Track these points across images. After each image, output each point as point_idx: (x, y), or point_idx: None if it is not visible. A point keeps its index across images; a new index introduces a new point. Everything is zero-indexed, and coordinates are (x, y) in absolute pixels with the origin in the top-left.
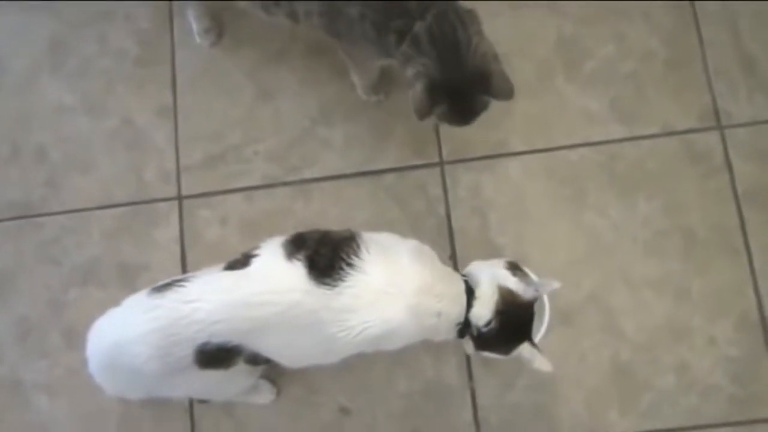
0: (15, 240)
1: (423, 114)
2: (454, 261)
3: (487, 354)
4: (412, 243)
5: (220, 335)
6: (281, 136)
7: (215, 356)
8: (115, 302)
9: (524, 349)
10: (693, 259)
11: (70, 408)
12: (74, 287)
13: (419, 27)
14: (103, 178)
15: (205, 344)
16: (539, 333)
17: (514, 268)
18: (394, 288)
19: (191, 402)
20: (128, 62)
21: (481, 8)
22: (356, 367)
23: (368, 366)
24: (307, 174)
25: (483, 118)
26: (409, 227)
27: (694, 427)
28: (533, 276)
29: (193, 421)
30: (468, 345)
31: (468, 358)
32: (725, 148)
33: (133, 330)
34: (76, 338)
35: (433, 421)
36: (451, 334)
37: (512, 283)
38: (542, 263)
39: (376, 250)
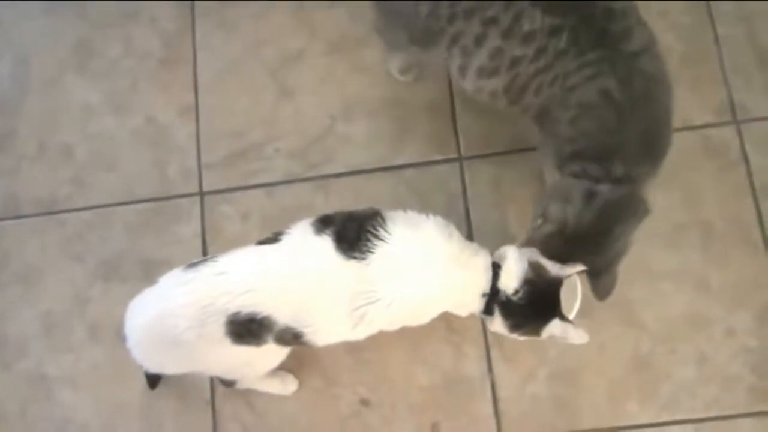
0: (40, 236)
1: None
2: None
3: (514, 333)
4: (436, 217)
5: (249, 305)
6: (302, 133)
7: (246, 328)
8: None
9: (555, 325)
10: (711, 251)
11: (93, 401)
12: (98, 282)
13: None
14: (126, 175)
15: (235, 314)
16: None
17: None
18: (421, 258)
19: (213, 394)
20: (152, 62)
21: None
22: (376, 359)
23: (388, 358)
24: (328, 170)
25: (501, 115)
26: None
27: (715, 418)
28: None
29: (214, 412)
30: (493, 322)
31: (488, 350)
32: (742, 142)
33: (170, 303)
34: (99, 333)
35: (453, 413)
36: (476, 306)
37: (540, 257)
38: None
39: (401, 223)
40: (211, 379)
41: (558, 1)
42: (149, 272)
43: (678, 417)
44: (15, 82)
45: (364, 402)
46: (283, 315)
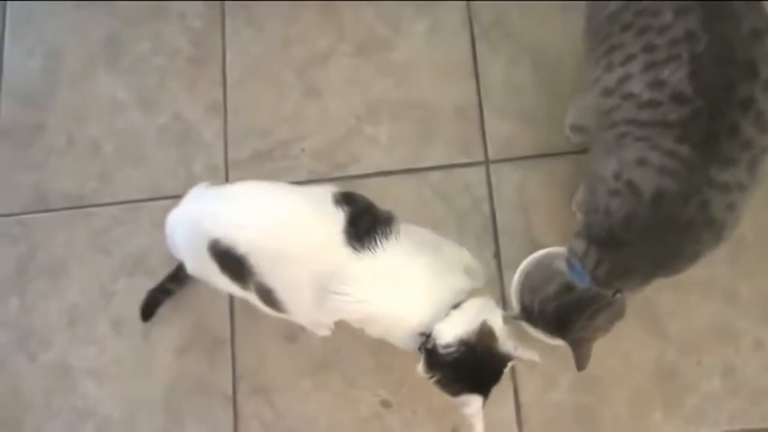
0: (68, 229)
1: None
2: (498, 260)
3: (435, 383)
4: (443, 239)
5: (231, 239)
6: (328, 134)
7: (225, 260)
8: None
9: (474, 401)
10: (741, 262)
11: (115, 394)
12: (123, 277)
13: None
14: (153, 171)
15: (216, 241)
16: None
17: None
18: (389, 276)
19: (234, 390)
20: (181, 60)
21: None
22: (397, 362)
23: (409, 361)
24: (353, 171)
25: (529, 119)
26: (454, 225)
27: None
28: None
29: (236, 409)
30: (418, 364)
31: None
32: None
33: (180, 210)
34: (123, 326)
35: None
36: (409, 343)
37: (498, 327)
38: None
39: (405, 238)
40: (234, 376)
41: (713, 76)
42: (174, 268)
43: (703, 429)
44: (45, 77)
45: (385, 404)
46: (261, 264)
